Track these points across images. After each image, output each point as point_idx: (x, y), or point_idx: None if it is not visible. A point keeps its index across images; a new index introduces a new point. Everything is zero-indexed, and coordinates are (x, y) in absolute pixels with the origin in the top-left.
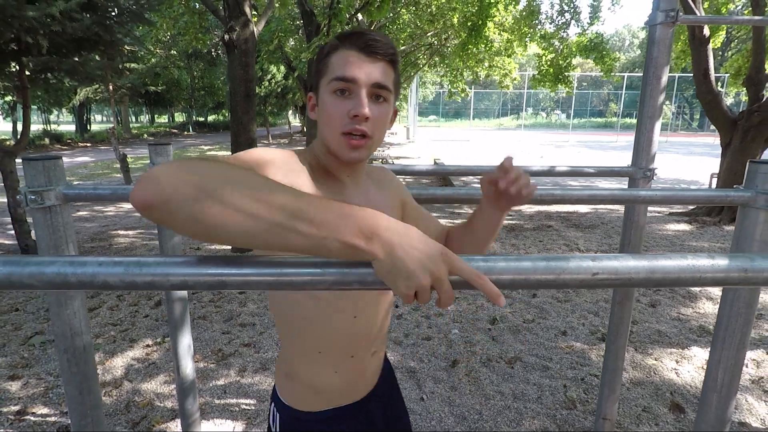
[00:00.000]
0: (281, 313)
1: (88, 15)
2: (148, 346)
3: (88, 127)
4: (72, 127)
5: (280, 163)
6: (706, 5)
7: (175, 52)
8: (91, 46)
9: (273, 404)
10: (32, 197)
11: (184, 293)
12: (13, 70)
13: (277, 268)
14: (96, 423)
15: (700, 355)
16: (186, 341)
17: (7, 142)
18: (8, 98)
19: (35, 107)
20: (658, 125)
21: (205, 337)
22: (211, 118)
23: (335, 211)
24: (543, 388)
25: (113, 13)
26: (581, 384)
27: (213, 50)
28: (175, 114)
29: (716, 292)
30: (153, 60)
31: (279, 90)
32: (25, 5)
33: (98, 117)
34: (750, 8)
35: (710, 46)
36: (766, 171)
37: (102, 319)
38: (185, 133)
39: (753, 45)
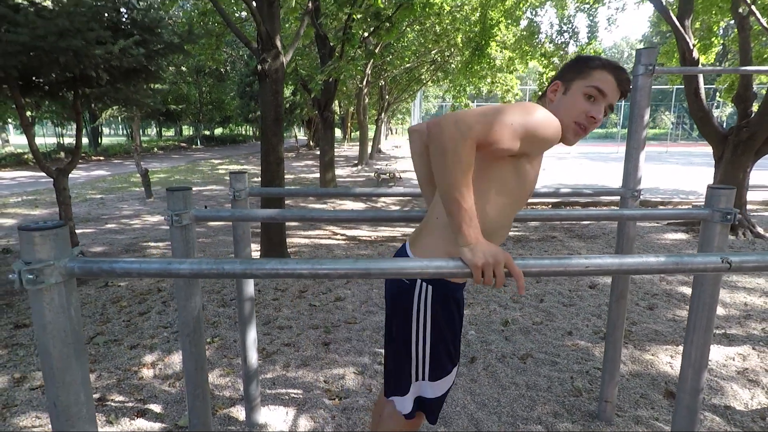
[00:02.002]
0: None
1: (140, 49)
2: None
3: (100, 141)
4: (83, 141)
5: None
6: (697, 24)
7: (184, 69)
8: (136, 75)
9: (420, 281)
10: (175, 218)
11: (252, 295)
12: (70, 97)
13: (398, 267)
14: (204, 393)
15: None
16: (252, 335)
17: (24, 156)
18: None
19: (47, 121)
20: (643, 154)
21: None
22: (218, 131)
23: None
24: (552, 379)
25: (159, 47)
26: (586, 376)
27: (221, 66)
28: (183, 128)
29: None
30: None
31: (287, 106)
32: (94, 45)
33: (106, 130)
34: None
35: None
36: (719, 194)
37: (153, 322)
38: (193, 146)
39: (741, 64)
